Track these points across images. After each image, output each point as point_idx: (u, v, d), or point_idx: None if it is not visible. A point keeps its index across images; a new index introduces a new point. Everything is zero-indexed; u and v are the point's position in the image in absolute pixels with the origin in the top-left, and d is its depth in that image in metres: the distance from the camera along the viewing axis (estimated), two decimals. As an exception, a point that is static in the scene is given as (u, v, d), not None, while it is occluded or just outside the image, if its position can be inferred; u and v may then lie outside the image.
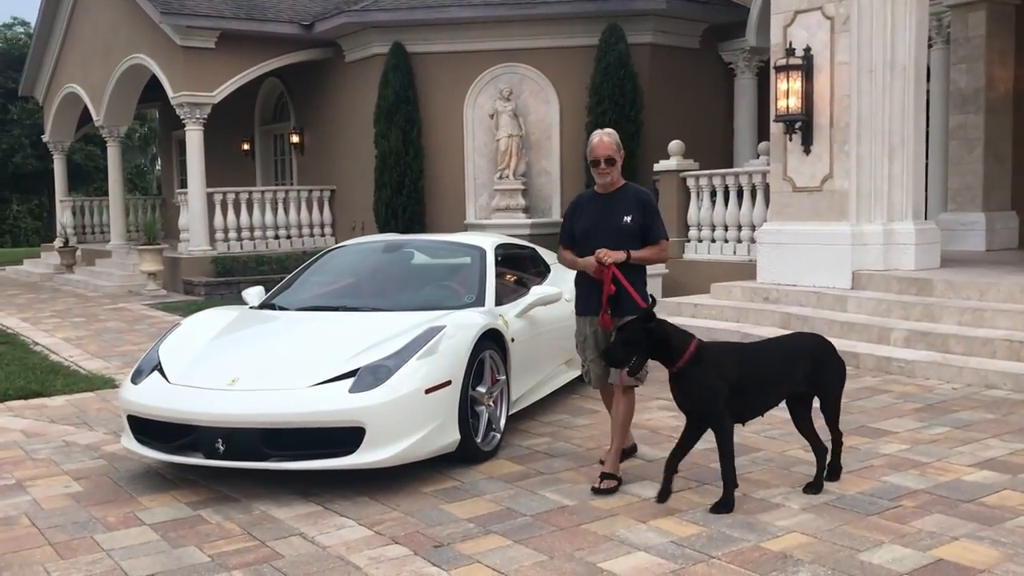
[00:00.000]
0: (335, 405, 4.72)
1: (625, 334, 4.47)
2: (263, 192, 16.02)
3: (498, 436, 5.53)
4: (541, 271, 7.13)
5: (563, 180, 14.39)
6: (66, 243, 19.19)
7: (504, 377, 5.65)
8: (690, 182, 12.04)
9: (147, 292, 15.06)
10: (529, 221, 13.95)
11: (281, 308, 6.10)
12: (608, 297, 4.74)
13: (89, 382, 8.07)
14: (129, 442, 5.17)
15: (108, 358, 9.39)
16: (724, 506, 4.45)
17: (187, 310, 11.55)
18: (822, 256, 9.60)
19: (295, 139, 17.29)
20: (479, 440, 5.31)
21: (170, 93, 15.26)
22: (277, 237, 15.86)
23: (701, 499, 4.65)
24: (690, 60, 14.53)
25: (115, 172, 18.72)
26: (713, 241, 11.85)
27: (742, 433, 5.79)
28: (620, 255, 4.77)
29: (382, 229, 14.53)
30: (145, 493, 4.99)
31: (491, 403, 5.49)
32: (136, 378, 5.29)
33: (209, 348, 5.43)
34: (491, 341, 5.48)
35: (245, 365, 5.11)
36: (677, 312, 10.52)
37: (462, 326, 5.29)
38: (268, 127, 18.79)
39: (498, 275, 6.49)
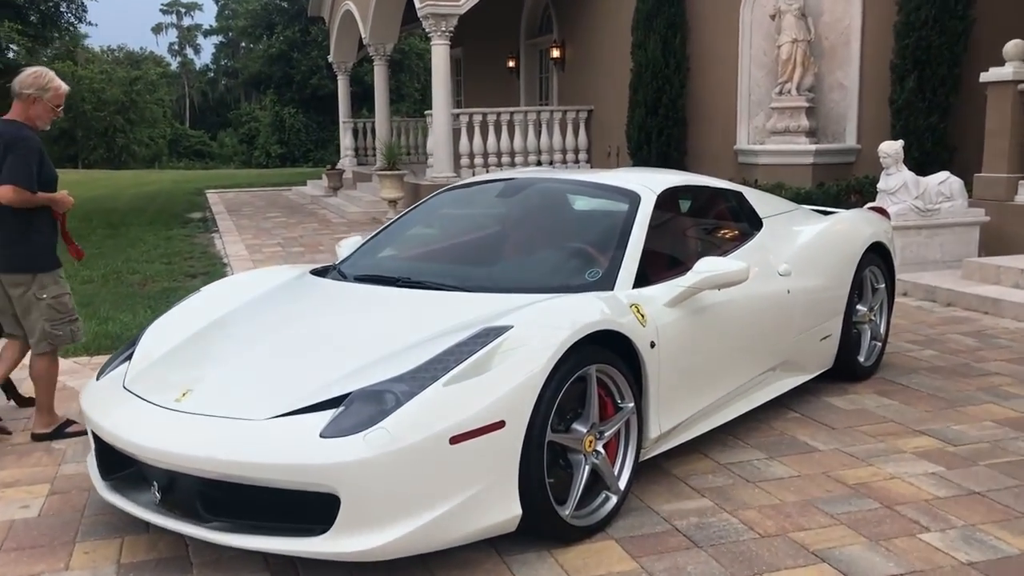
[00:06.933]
0: (292, 456, 2.86)
1: None
2: (511, 113, 14.38)
3: (612, 501, 3.45)
4: (744, 230, 4.77)
5: (862, 96, 11.36)
6: (333, 166, 18.89)
7: (631, 404, 3.53)
8: (1033, 97, 8.77)
9: (386, 220, 14.08)
10: (812, 147, 11.20)
11: (340, 274, 4.33)
12: None
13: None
14: (90, 461, 3.67)
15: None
16: None
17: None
18: None
19: (556, 53, 15.48)
20: (568, 512, 3.27)
21: (417, 4, 13.96)
22: (527, 163, 14.24)
23: None
24: (1052, -68, 10.75)
25: (381, 92, 17.96)
26: (1063, 179, 8.58)
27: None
28: None
29: (633, 155, 12.43)
30: (94, 535, 3.51)
31: (598, 449, 3.42)
32: (103, 370, 3.80)
33: (196, 337, 3.78)
34: (605, 348, 3.38)
35: (209, 371, 3.41)
36: (995, 279, 7.62)
37: (542, 326, 3.22)
38: (533, 41, 17.11)
39: (670, 235, 4.31)
